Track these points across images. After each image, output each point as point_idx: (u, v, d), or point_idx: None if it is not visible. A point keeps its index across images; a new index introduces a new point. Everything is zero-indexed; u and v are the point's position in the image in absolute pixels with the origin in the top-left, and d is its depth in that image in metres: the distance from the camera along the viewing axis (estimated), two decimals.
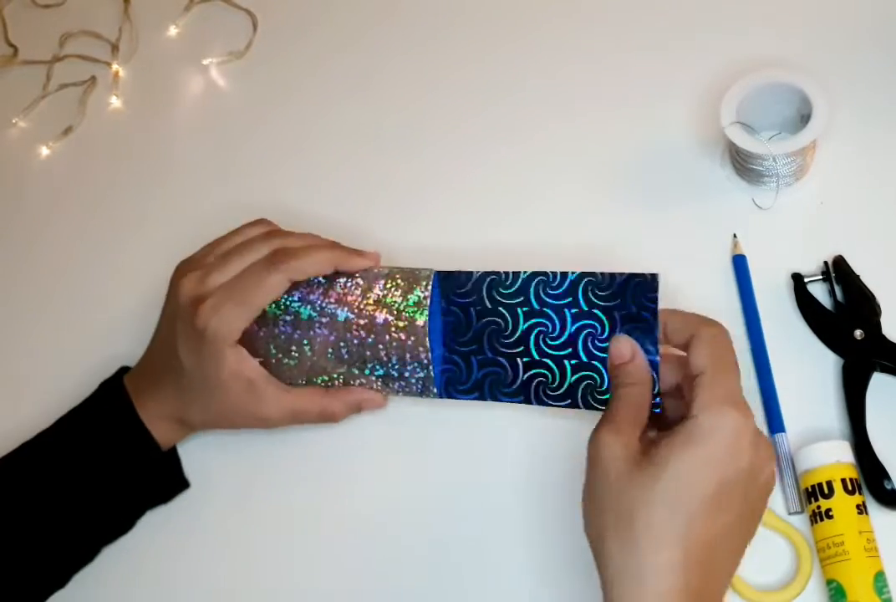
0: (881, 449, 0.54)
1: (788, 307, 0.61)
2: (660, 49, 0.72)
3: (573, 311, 0.53)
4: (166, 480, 0.63)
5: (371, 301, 0.58)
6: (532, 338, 0.54)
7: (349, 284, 0.59)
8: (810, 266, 0.61)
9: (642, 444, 0.48)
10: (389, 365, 0.58)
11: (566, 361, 0.53)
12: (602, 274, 0.53)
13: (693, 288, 0.62)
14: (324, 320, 0.59)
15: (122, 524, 0.63)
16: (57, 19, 0.88)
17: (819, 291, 0.60)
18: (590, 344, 0.53)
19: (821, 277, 0.61)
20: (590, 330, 0.53)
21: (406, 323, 0.57)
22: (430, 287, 0.57)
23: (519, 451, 0.61)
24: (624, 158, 0.69)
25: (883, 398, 0.56)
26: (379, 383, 0.60)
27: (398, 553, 0.61)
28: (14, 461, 0.62)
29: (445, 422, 0.63)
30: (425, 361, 0.57)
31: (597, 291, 0.53)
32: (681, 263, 0.63)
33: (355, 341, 0.58)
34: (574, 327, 0.53)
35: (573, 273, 0.54)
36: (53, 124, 0.83)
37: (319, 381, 0.61)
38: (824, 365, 0.59)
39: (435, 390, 0.58)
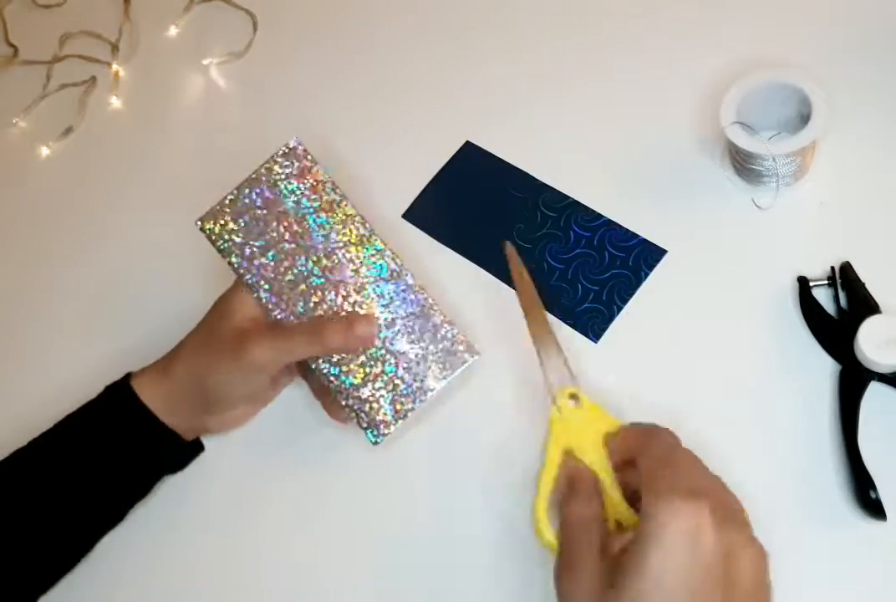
0: (870, 458, 0.54)
1: (789, 308, 0.60)
2: (659, 49, 0.71)
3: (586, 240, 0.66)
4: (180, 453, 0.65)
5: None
6: (543, 242, 0.67)
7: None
8: (810, 266, 0.61)
9: (607, 559, 0.47)
10: None
11: (557, 271, 0.65)
12: (626, 229, 0.66)
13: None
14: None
15: (138, 492, 0.64)
16: (57, 19, 0.88)
17: (823, 296, 0.60)
18: (580, 270, 0.65)
19: (826, 282, 0.60)
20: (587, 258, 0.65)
21: None
22: None
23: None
24: (623, 158, 0.68)
25: (878, 407, 0.56)
26: None
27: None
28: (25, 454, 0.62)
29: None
30: None
31: (613, 240, 0.65)
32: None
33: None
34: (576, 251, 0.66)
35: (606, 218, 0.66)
36: (53, 124, 0.83)
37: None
38: (822, 370, 0.58)
39: None
